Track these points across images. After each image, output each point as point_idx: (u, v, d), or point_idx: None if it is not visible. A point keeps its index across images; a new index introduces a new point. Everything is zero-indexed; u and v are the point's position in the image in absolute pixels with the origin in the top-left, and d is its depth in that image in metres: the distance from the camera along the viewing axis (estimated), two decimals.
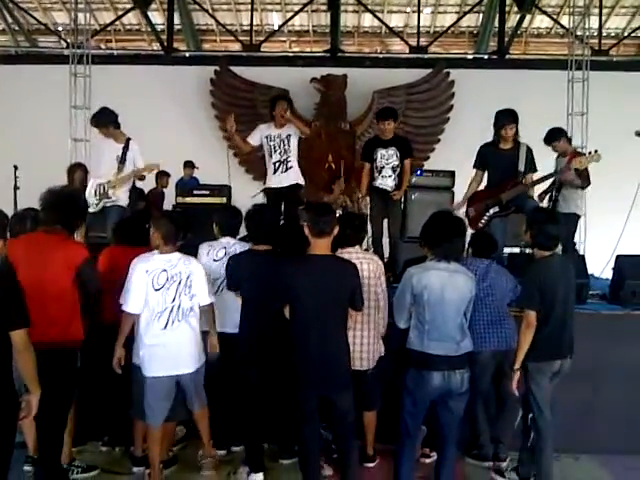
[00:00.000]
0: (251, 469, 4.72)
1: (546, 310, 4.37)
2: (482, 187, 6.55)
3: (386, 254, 7.04)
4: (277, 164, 6.98)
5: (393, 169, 6.84)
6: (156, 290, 4.40)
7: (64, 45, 12.85)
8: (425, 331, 4.13)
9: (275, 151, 6.98)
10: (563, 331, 4.44)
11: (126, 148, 6.68)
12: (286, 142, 6.95)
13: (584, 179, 6.70)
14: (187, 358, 4.49)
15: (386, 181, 6.85)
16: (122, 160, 6.66)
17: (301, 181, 7.08)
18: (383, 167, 6.86)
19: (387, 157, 6.86)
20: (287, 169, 6.97)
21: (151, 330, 4.42)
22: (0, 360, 3.25)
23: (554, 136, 7.13)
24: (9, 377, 3.29)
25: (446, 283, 4.13)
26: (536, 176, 6.37)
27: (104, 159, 6.74)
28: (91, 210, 6.45)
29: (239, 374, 4.73)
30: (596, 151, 6.11)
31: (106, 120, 6.70)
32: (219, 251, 5.10)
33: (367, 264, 4.70)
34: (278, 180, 6.99)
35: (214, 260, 5.05)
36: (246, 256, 4.82)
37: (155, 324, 4.41)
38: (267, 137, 6.99)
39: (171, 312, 4.41)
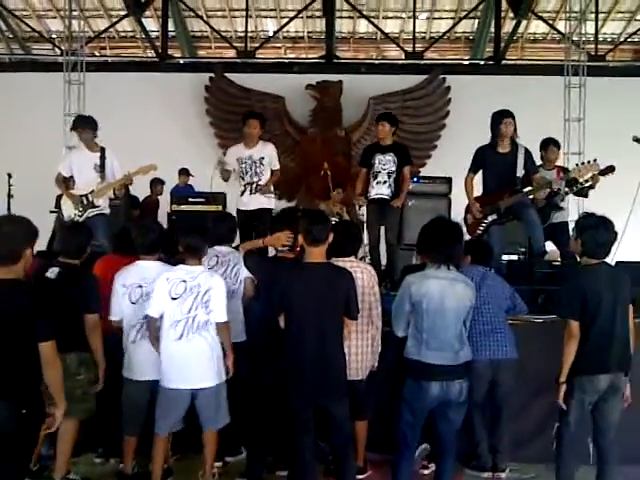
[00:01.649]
0: None
1: (589, 321, 4.16)
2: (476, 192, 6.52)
3: (383, 261, 6.99)
4: (247, 186, 6.84)
5: (389, 175, 6.76)
6: (173, 299, 4.38)
7: (58, 52, 12.77)
8: (423, 340, 4.09)
9: (246, 173, 6.84)
10: (609, 344, 4.18)
11: (103, 157, 6.61)
12: (258, 164, 6.82)
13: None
14: (204, 372, 4.43)
15: (381, 188, 6.77)
16: (102, 169, 6.59)
17: (271, 205, 6.89)
18: (379, 172, 6.78)
19: (384, 162, 6.78)
20: (255, 191, 6.81)
21: (167, 339, 4.40)
22: (29, 371, 3.33)
23: (558, 144, 7.31)
24: (37, 388, 3.38)
25: (446, 291, 4.09)
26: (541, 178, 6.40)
27: (83, 170, 6.64)
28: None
29: (249, 383, 4.65)
30: (595, 160, 6.15)
31: (93, 125, 6.64)
32: (211, 259, 5.06)
33: (361, 273, 4.65)
34: (247, 201, 6.85)
35: None
36: (266, 261, 4.92)
37: (171, 333, 4.38)
38: (238, 160, 6.84)
39: (186, 323, 4.37)
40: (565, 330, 4.21)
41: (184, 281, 4.39)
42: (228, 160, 6.91)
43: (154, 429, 4.50)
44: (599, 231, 4.24)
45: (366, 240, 7.00)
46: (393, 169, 6.78)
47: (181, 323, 4.37)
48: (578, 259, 4.61)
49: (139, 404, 4.62)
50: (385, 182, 6.78)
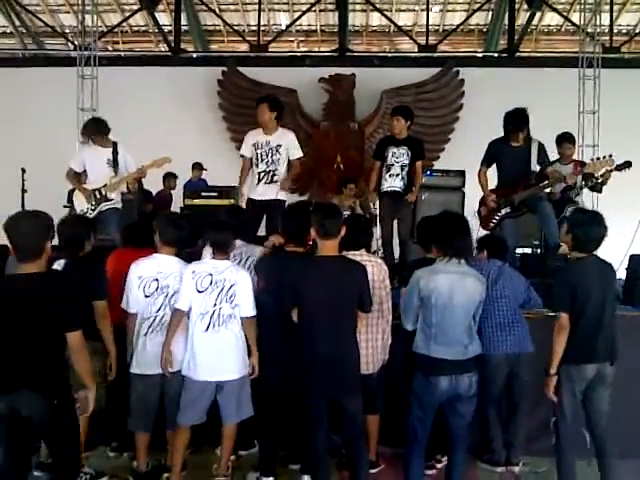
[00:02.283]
0: (262, 473, 4.67)
1: (578, 313, 4.19)
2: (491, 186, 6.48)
3: (396, 255, 6.97)
4: (262, 174, 6.49)
5: (402, 167, 6.73)
6: (199, 292, 4.42)
7: (71, 47, 12.83)
8: (432, 335, 4.09)
9: (262, 160, 6.48)
10: (597, 335, 4.22)
11: (115, 152, 6.58)
12: (275, 151, 6.46)
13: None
14: (231, 364, 4.45)
15: (394, 181, 6.75)
16: (115, 164, 6.58)
17: (284, 197, 6.50)
18: (392, 165, 6.75)
19: (398, 155, 6.74)
20: (272, 181, 6.47)
21: (194, 331, 4.43)
22: (57, 362, 3.46)
23: (573, 139, 7.22)
24: (65, 378, 3.51)
25: (455, 286, 4.08)
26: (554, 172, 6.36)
27: (95, 165, 6.63)
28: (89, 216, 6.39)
29: (261, 376, 4.62)
30: (610, 155, 6.14)
31: (103, 129, 6.64)
32: None
33: (371, 267, 4.63)
34: (261, 191, 6.49)
35: None
36: (276, 258, 4.81)
37: (198, 325, 4.42)
38: (254, 145, 6.51)
39: (212, 316, 4.41)
40: (555, 322, 4.24)
41: (210, 274, 4.43)
42: (245, 148, 6.62)
43: (177, 420, 4.50)
44: (593, 227, 4.26)
45: (379, 234, 6.99)
46: (406, 162, 6.74)
47: (207, 316, 4.41)
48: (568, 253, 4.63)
49: (150, 399, 4.62)
50: (398, 175, 6.75)
